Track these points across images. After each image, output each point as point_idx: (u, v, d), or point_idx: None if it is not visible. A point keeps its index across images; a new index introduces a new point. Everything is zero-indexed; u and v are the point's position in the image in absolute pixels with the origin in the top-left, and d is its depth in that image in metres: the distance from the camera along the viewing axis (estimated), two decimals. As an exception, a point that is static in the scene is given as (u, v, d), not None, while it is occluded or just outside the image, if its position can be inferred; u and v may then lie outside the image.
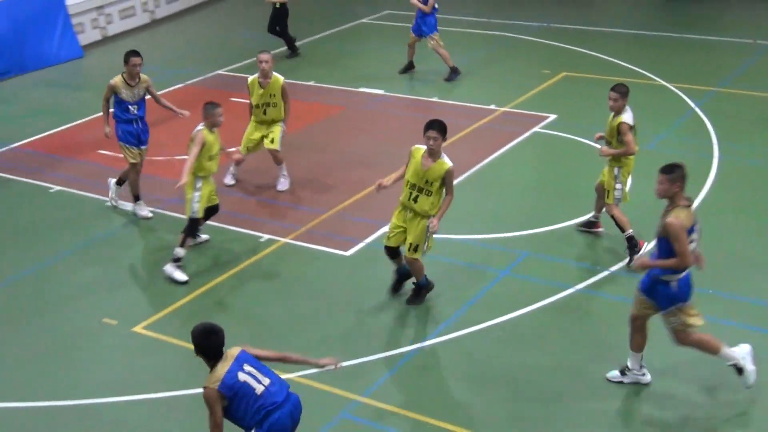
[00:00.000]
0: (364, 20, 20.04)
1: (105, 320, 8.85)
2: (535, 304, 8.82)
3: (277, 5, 16.91)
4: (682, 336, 7.24)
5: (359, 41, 18.49)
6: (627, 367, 7.60)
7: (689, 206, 7.08)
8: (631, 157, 9.61)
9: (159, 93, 12.19)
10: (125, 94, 10.89)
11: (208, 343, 5.89)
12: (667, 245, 6.98)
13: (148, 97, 11.17)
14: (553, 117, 13.71)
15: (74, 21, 18.16)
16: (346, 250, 10.05)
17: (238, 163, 11.77)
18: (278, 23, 17.20)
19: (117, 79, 10.89)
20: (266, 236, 10.39)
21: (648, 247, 9.20)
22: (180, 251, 9.43)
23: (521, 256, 9.78)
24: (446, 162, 8.45)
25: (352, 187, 11.59)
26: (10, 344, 8.60)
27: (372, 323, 8.72)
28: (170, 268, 9.51)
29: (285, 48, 17.39)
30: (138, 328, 8.67)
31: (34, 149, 13.44)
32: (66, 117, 14.65)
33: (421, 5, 15.17)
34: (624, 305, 8.75)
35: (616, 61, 16.34)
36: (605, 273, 9.36)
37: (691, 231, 7.07)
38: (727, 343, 7.19)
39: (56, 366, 8.12)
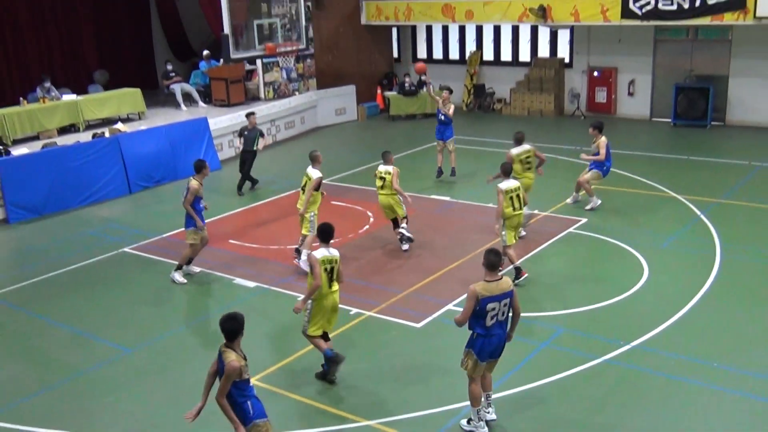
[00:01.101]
0: (434, 143, 20.19)
1: (227, 373, 8.86)
2: (567, 371, 8.57)
3: (259, 149, 16.22)
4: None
5: (431, 159, 18.65)
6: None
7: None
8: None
9: (277, 197, 12.52)
10: (201, 191, 11.58)
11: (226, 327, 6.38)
12: None
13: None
14: (584, 220, 13.52)
15: (216, 141, 18.73)
16: (417, 322, 9.95)
17: None
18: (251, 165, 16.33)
19: (197, 183, 11.49)
20: (355, 310, 10.36)
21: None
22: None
23: (558, 331, 9.55)
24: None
25: (424, 273, 11.54)
26: (155, 388, 8.67)
27: (436, 382, 8.56)
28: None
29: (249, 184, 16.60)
30: (253, 380, 8.63)
31: (180, 238, 13.73)
32: (205, 214, 14.91)
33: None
34: (639, 373, 8.47)
35: (635, 176, 16.13)
36: (627, 347, 9.05)
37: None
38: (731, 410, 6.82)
39: (183, 409, 8.12)
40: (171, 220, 14.61)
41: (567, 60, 23.86)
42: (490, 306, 7.16)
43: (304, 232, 11.71)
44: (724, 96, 21.15)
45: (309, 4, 22.59)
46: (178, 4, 25.32)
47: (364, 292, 11.01)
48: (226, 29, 19.27)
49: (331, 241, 8.56)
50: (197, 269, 11.91)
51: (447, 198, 15.28)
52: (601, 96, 22.98)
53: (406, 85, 23.67)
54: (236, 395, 6.34)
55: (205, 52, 22.54)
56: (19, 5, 21.40)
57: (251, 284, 11.44)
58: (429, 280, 11.26)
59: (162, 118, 19.66)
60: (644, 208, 14.19)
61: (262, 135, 16.36)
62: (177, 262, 11.78)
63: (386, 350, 9.34)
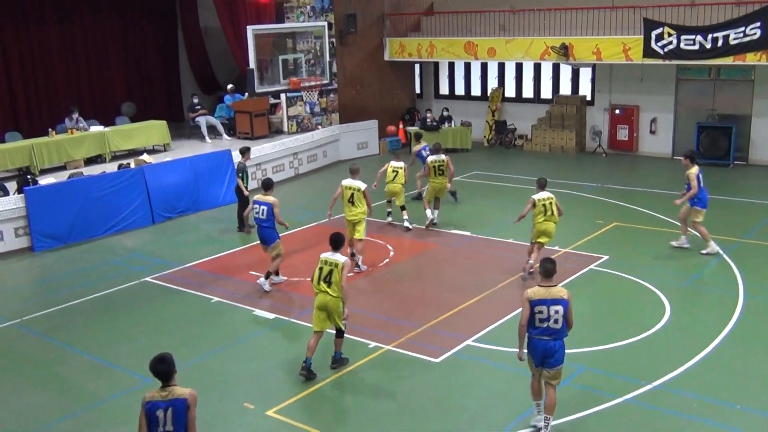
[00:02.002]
0: (456, 178, 20.25)
1: (245, 404, 8.86)
2: (588, 410, 8.46)
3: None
4: None
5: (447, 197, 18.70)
6: None
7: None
8: None
9: (299, 229, 12.70)
10: None
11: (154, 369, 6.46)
12: None
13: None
14: (605, 258, 13.43)
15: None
16: (436, 357, 9.89)
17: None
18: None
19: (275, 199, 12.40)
20: (373, 343, 10.33)
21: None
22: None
23: (579, 369, 9.44)
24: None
25: (442, 307, 11.49)
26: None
27: (454, 418, 8.49)
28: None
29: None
30: (271, 412, 8.64)
31: (201, 269, 13.84)
32: (227, 246, 15.09)
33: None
34: (661, 414, 8.34)
35: (657, 215, 16.03)
36: (648, 387, 8.92)
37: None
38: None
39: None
40: (193, 251, 14.72)
41: (588, 97, 23.91)
42: (537, 309, 7.59)
43: (357, 236, 13.01)
44: (747, 135, 21.05)
45: (333, 40, 22.88)
46: (205, 39, 25.75)
47: (382, 325, 10.98)
48: (252, 64, 19.53)
49: (340, 249, 9.39)
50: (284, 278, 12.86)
51: (467, 233, 15.26)
52: (622, 134, 22.96)
53: (428, 120, 23.81)
54: None
55: (230, 86, 22.87)
56: (50, 38, 21.88)
57: (271, 316, 11.46)
58: (448, 315, 11.21)
59: (187, 150, 19.91)
60: (666, 246, 14.07)
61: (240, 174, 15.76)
62: (268, 271, 12.49)
63: (404, 385, 9.28)
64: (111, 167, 17.64)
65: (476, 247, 14.50)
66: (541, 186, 12.51)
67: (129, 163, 17.67)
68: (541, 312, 7.55)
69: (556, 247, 14.02)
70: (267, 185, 12.73)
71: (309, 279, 12.79)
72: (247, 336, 10.86)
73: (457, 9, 24.90)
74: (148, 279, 13.28)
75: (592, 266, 13.06)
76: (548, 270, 7.73)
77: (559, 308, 7.53)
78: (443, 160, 15.53)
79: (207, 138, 21.24)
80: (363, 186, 13.10)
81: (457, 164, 21.56)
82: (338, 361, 9.68)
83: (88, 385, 9.57)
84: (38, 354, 10.55)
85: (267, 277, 12.46)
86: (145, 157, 18.06)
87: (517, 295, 11.78)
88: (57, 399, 9.31)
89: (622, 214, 16.18)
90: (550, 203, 12.20)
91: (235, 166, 16.09)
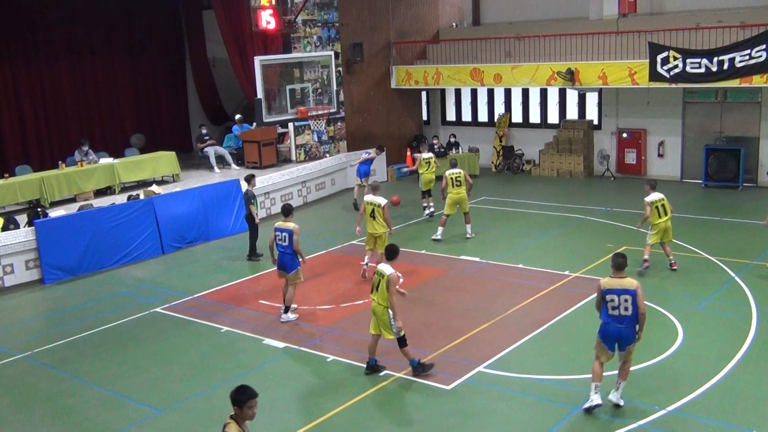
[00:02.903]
0: (428, 213, 20.19)
1: (256, 435, 8.82)
2: (603, 436, 8.39)
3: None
4: None
5: (460, 220, 18.69)
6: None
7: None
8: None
9: (307, 257, 12.75)
10: None
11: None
12: None
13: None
14: (616, 282, 13.36)
15: (247, 203, 18.96)
16: (447, 384, 9.84)
17: None
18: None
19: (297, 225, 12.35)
20: (384, 371, 10.29)
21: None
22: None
23: (591, 395, 9.36)
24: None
25: (453, 334, 11.45)
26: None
27: (467, 446, 8.44)
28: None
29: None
30: (281, 442, 8.60)
31: (211, 299, 13.85)
32: (236, 275, 15.12)
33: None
34: (679, 440, 8.26)
35: (667, 238, 15.97)
36: (662, 412, 8.84)
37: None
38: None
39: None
40: (202, 281, 14.75)
41: (595, 122, 23.98)
42: (609, 297, 8.62)
43: (380, 251, 13.34)
44: (756, 157, 21.04)
45: (340, 69, 23.08)
46: (213, 69, 26.02)
47: (394, 353, 10.94)
48: (260, 94, 19.70)
49: (392, 260, 9.93)
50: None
51: (476, 258, 15.25)
52: (630, 157, 22.99)
53: (436, 146, 23.89)
54: None
55: (238, 116, 23.05)
56: (60, 72, 22.17)
57: (281, 345, 11.44)
58: (458, 342, 11.17)
59: (196, 180, 20.04)
60: (677, 269, 14.02)
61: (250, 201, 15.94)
62: (284, 305, 12.50)
63: (416, 413, 9.23)
64: (120, 198, 17.76)
65: (486, 274, 14.47)
66: (652, 187, 14.05)
67: (138, 195, 17.78)
68: (612, 300, 8.60)
69: (566, 272, 13.99)
70: (287, 211, 12.70)
71: (319, 308, 12.86)
72: (257, 365, 10.84)
73: (462, 36, 25.10)
74: (158, 310, 13.30)
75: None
76: (619, 264, 8.77)
77: (628, 297, 8.53)
78: (460, 173, 16.56)
79: (216, 168, 21.37)
80: (383, 202, 13.75)
81: (466, 190, 21.64)
82: (417, 369, 10.03)
83: (100, 417, 9.55)
84: (49, 386, 10.55)
85: (286, 311, 12.45)
86: (154, 188, 18.17)
87: (528, 320, 11.75)
88: (67, 431, 9.28)
89: (631, 238, 16.12)
90: (662, 205, 13.72)
91: (244, 195, 16.15)
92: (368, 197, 14.11)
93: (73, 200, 17.91)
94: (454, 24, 27.24)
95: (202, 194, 17.91)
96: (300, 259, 12.34)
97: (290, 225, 12.26)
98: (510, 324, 11.73)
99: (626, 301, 8.54)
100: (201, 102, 26.35)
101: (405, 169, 23.65)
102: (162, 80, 25.33)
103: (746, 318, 11.50)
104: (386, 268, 9.76)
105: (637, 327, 8.70)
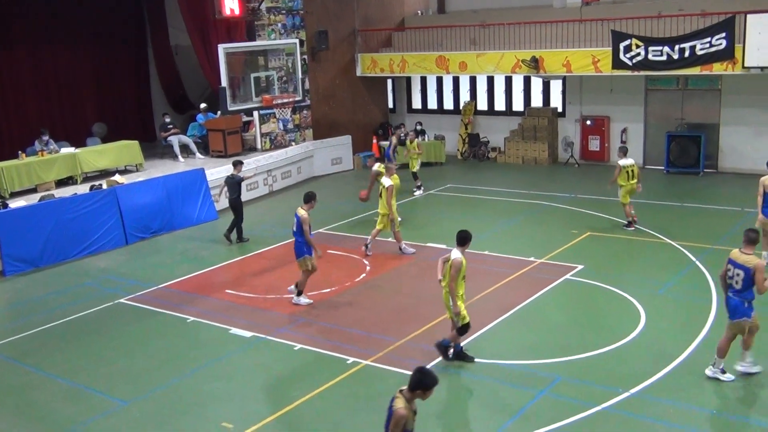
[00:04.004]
0: (431, 191, 20.41)
1: (223, 424, 8.81)
2: (566, 420, 8.51)
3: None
4: None
5: (428, 208, 18.81)
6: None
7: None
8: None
9: (274, 246, 12.68)
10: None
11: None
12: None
13: None
14: (580, 267, 13.56)
15: (213, 192, 18.80)
16: (415, 371, 9.90)
17: None
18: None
19: (305, 213, 12.16)
20: (352, 359, 10.33)
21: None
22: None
23: (556, 379, 9.51)
24: None
25: (421, 320, 11.52)
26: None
27: (434, 429, 8.52)
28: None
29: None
30: (250, 431, 8.60)
31: (177, 289, 13.75)
32: (202, 264, 15.03)
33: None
34: (639, 422, 8.42)
35: (630, 223, 16.24)
36: (626, 395, 9.01)
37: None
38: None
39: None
40: (168, 271, 14.63)
41: (560, 109, 24.20)
42: (728, 266, 9.03)
43: (378, 226, 14.70)
44: (716, 143, 21.42)
45: (305, 57, 22.96)
46: (176, 58, 25.70)
47: (361, 340, 10.99)
48: (224, 82, 19.53)
49: (462, 246, 9.85)
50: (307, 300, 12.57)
51: (443, 246, 15.32)
52: (594, 144, 23.26)
53: (402, 135, 23.89)
54: None
55: (203, 105, 22.82)
56: (20, 60, 21.72)
57: (248, 334, 11.41)
58: (426, 328, 11.24)
59: (159, 169, 19.82)
60: (640, 254, 14.26)
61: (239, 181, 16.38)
62: (297, 287, 12.51)
63: (384, 400, 9.23)
64: (83, 189, 17.50)
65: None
66: (624, 153, 15.52)
67: (101, 184, 17.54)
68: (729, 270, 9.00)
69: (532, 258, 14.14)
70: (305, 198, 12.48)
71: (287, 296, 12.84)
72: (224, 355, 10.81)
73: (427, 24, 25.11)
74: (122, 300, 13.17)
75: (567, 276, 13.18)
76: (751, 238, 9.01)
77: (741, 272, 8.83)
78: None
79: (180, 157, 21.16)
80: (387, 184, 14.59)
81: (432, 178, 21.82)
82: (441, 348, 10.08)
83: (65, 410, 9.45)
84: (11, 380, 10.39)
85: (299, 294, 12.47)
86: (117, 177, 17.94)
87: (494, 306, 11.86)
88: (32, 425, 9.18)
89: (595, 224, 16.36)
90: (632, 170, 15.30)
91: (230, 178, 16.28)
92: (382, 179, 14.97)
93: (33, 191, 17.59)
94: (419, 12, 27.23)
95: (167, 184, 17.73)
96: (313, 249, 12.22)
97: (301, 212, 12.14)
98: (476, 310, 11.80)
99: (738, 275, 8.87)
100: (164, 90, 26.02)
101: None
102: (124, 68, 24.93)
103: (706, 301, 11.74)
104: (454, 253, 9.76)
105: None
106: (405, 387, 6.27)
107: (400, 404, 6.17)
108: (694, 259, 13.75)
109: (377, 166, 16.88)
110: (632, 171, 15.36)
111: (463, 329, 9.97)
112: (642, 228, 15.74)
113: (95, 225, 16.17)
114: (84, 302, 13.14)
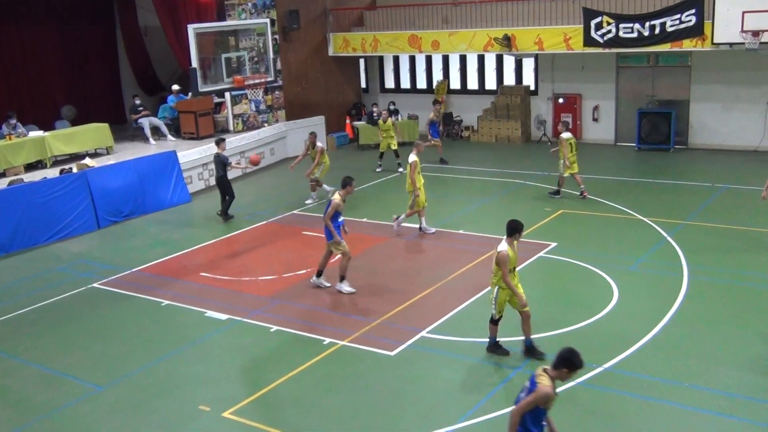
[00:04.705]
0: (404, 171, 20.35)
1: (200, 407, 8.79)
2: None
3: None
4: None
5: (401, 187, 18.77)
6: None
7: None
8: None
9: (249, 228, 12.49)
10: (342, 207, 11.82)
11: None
12: None
13: None
14: (553, 245, 13.66)
15: (185, 174, 18.66)
16: (391, 350, 9.94)
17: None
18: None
19: (339, 198, 11.67)
20: (328, 339, 10.33)
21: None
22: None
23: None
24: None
25: (396, 300, 11.55)
26: (128, 425, 8.56)
27: (410, 408, 8.56)
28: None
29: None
30: (227, 414, 8.59)
31: (150, 272, 13.65)
32: (176, 247, 14.92)
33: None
34: (613, 396, 8.53)
35: (602, 200, 16.36)
36: (599, 370, 9.12)
37: None
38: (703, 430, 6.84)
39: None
40: (141, 255, 14.50)
41: (532, 87, 24.25)
42: None
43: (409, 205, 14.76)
44: (686, 120, 21.61)
45: (276, 37, 22.74)
46: (145, 39, 25.33)
47: (336, 321, 10.99)
48: (194, 63, 19.31)
49: (509, 236, 9.30)
50: (327, 284, 12.24)
51: (417, 225, 15.34)
52: (566, 122, 23.32)
53: (375, 114, 23.85)
54: (530, 422, 6.16)
55: (175, 87, 22.54)
56: (-16, 42, 21.31)
57: (223, 317, 11.36)
58: (402, 308, 11.28)
59: (130, 152, 19.59)
60: (612, 231, 14.39)
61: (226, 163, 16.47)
62: (318, 269, 12.23)
63: (361, 380, 9.31)
64: (52, 173, 17.26)
65: (427, 240, 14.60)
66: (566, 126, 16.63)
67: (71, 168, 17.30)
68: None
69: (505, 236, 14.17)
70: (342, 182, 11.91)
71: (261, 278, 12.80)
72: (200, 338, 10.76)
73: (399, 3, 24.96)
74: (95, 285, 13.04)
75: (541, 253, 13.27)
76: None
77: None
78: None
79: (151, 140, 20.92)
80: (411, 159, 14.61)
81: (405, 158, 21.70)
82: (530, 351, 9.51)
83: (39, 396, 9.36)
84: (-16, 367, 10.28)
85: (341, 280, 11.99)
86: (87, 161, 17.71)
87: (470, 285, 11.91)
88: (6, 411, 9.08)
89: (568, 201, 16.47)
90: (575, 142, 16.52)
91: (215, 157, 16.45)
92: (410, 155, 14.79)
93: (2, 175, 17.31)
94: (390, -10, 27.06)
95: (138, 166, 17.53)
96: (339, 235, 11.77)
97: (335, 196, 11.72)
98: (452, 289, 11.88)
99: None
100: (134, 72, 25.65)
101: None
102: (92, 50, 24.52)
103: (678, 276, 11.90)
104: (501, 245, 9.23)
105: None
106: (547, 366, 6.28)
107: (546, 382, 6.15)
108: (665, 234, 13.90)
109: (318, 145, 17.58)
110: (573, 143, 16.42)
111: (495, 320, 9.54)
112: (614, 204, 15.88)
113: (66, 209, 15.97)
114: (56, 287, 13.00)
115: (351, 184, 11.90)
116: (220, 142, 16.60)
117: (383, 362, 9.70)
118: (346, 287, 11.97)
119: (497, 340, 9.65)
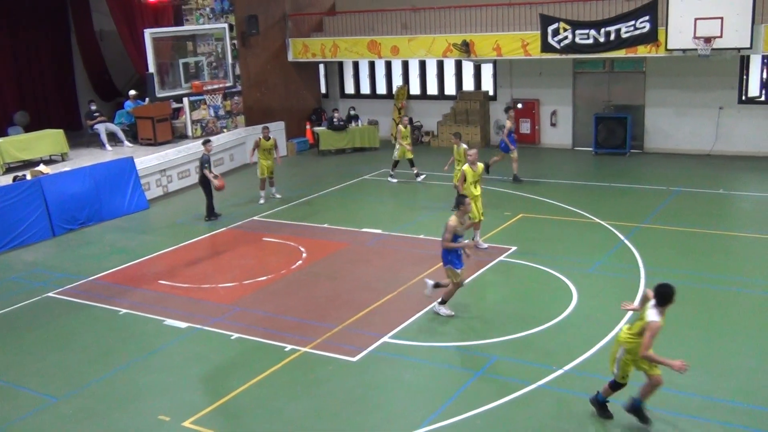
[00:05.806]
0: (365, 177, 20.42)
1: (160, 417, 8.67)
2: (503, 398, 8.66)
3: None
4: None
5: (362, 193, 18.80)
6: None
7: None
8: None
9: (208, 235, 12.28)
10: (459, 229, 10.72)
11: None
12: None
13: None
14: (514, 248, 13.77)
15: (143, 181, 18.41)
16: (353, 356, 9.92)
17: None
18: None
19: (455, 220, 10.52)
20: (290, 346, 10.27)
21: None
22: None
23: (492, 359, 9.66)
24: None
25: (358, 306, 11.52)
26: (83, 438, 8.41)
27: (374, 413, 8.54)
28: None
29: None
30: (187, 423, 8.48)
31: (107, 281, 13.42)
32: (133, 255, 14.69)
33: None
34: (574, 398, 8.62)
35: (560, 204, 16.55)
36: (560, 372, 9.21)
37: None
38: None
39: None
40: (98, 263, 14.26)
41: (491, 93, 24.46)
42: None
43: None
44: (642, 125, 22.01)
45: (235, 42, 22.59)
46: (101, 43, 24.96)
47: (298, 328, 10.93)
48: (151, 68, 19.07)
49: (663, 306, 7.69)
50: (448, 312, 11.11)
51: (378, 230, 15.36)
52: (525, 127, 23.59)
53: (335, 120, 23.83)
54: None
55: (132, 92, 22.24)
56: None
57: (183, 325, 11.23)
58: (363, 314, 11.26)
59: (86, 159, 19.26)
60: (570, 234, 14.56)
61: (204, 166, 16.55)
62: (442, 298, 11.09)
63: (323, 386, 9.27)
64: (5, 180, 16.88)
65: (389, 245, 14.61)
66: (460, 138, 16.28)
67: (24, 175, 16.95)
68: None
69: (467, 241, 14.25)
70: (456, 202, 10.89)
71: (221, 285, 12.67)
72: (159, 347, 10.61)
73: (358, 8, 25.00)
74: (51, 294, 12.78)
75: (501, 257, 13.37)
76: None
77: None
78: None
79: (107, 146, 20.60)
80: (461, 147, 15.37)
81: (366, 163, 21.81)
82: (637, 413, 8.12)
83: (-9, 408, 9.14)
84: (-66, 380, 10.00)
85: (442, 302, 11.07)
86: (41, 167, 17.37)
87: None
88: (-43, 426, 8.86)
89: (527, 205, 16.63)
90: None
91: (201, 159, 16.60)
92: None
93: (-48, 183, 16.91)
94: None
95: (94, 173, 17.24)
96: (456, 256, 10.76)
97: (451, 218, 10.67)
98: (414, 294, 11.90)
99: None
100: (89, 77, 25.25)
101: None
102: (45, 54, 24.06)
103: (635, 278, 12.08)
104: (650, 314, 7.64)
105: None
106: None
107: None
108: (622, 237, 14.12)
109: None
110: (463, 152, 15.49)
111: (617, 385, 8.18)
112: (572, 208, 16.08)
113: (20, 217, 15.63)
114: (10, 297, 12.70)
115: (464, 203, 10.71)
116: (206, 143, 16.85)
117: (346, 368, 9.67)
118: (444, 310, 11.03)
119: (607, 401, 8.30)
